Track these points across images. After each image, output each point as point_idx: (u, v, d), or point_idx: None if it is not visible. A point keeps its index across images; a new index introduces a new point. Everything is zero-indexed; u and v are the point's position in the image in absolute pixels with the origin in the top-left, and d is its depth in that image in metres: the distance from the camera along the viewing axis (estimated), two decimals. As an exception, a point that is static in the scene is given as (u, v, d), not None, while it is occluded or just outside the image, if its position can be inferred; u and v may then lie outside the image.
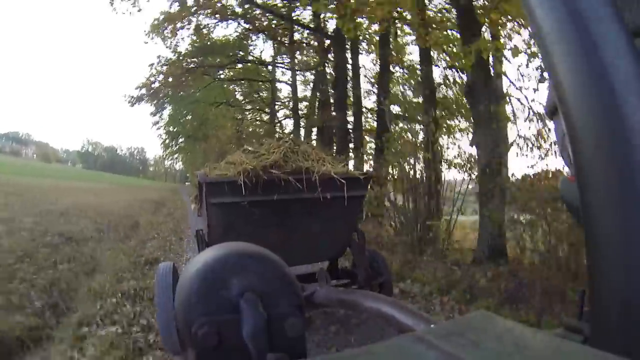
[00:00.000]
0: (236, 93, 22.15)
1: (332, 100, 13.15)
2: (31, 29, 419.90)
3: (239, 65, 18.03)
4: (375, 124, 12.85)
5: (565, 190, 0.99)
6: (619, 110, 0.39)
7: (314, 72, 16.08)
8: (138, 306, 4.11)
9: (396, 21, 10.24)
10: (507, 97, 8.82)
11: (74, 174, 56.89)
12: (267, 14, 14.11)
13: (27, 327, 3.38)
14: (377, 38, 11.57)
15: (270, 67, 19.17)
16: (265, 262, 0.56)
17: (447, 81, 13.10)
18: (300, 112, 18.49)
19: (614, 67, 0.39)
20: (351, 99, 12.38)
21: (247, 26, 15.42)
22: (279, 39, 16.28)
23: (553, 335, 0.40)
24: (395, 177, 7.72)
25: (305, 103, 18.76)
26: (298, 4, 12.59)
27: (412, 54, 13.87)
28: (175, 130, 25.55)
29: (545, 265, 4.78)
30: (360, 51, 13.42)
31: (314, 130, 15.68)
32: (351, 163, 9.62)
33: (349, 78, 12.37)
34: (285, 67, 18.30)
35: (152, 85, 16.67)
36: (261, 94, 21.50)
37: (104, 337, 3.32)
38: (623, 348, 0.40)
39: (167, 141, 28.56)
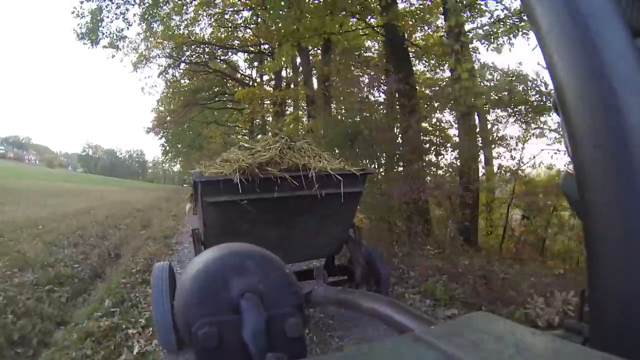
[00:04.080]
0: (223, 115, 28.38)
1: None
2: (28, 32, 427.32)
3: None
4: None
5: (566, 185, 1.00)
6: (617, 109, 0.40)
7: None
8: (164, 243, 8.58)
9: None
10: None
11: (81, 178, 61.24)
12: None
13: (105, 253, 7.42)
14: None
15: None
16: (265, 262, 0.58)
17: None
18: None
19: (612, 67, 0.41)
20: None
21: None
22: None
23: (553, 336, 0.39)
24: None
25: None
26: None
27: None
28: (175, 139, 31.82)
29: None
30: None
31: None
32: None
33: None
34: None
35: (165, 117, 23.70)
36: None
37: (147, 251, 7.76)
38: (622, 349, 0.40)
39: (167, 148, 35.07)
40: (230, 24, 18.08)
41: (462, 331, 0.38)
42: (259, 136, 12.96)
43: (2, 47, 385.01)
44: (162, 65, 20.07)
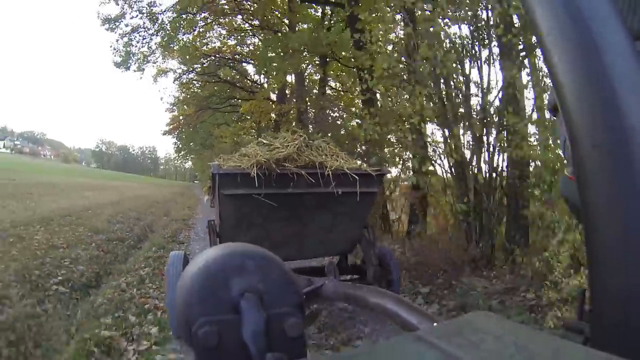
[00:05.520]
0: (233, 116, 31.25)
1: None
2: (43, 29, 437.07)
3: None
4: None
5: (566, 189, 1.02)
6: (616, 109, 0.41)
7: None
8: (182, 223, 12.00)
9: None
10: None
11: (97, 174, 63.77)
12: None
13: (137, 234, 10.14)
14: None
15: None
16: (265, 262, 0.58)
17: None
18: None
19: (612, 67, 0.42)
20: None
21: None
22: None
23: (553, 335, 0.40)
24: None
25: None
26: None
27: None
28: (188, 138, 34.83)
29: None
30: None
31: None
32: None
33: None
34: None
35: (180, 121, 26.75)
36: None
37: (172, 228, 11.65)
38: (623, 348, 0.42)
39: (180, 146, 38.28)
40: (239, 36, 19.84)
41: (462, 331, 0.38)
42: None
43: (18, 44, 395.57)
44: (177, 72, 22.03)
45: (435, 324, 0.68)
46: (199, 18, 15.45)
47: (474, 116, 4.76)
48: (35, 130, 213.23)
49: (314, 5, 14.24)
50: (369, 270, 3.59)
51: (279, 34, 14.26)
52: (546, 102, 3.97)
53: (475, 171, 4.92)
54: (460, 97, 4.92)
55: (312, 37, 12.07)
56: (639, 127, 0.40)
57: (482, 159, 4.85)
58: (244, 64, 22.17)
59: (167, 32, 14.48)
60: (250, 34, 18.80)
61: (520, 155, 4.55)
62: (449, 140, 5.00)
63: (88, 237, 7.23)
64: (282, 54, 11.80)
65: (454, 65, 4.80)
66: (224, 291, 0.53)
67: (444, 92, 4.96)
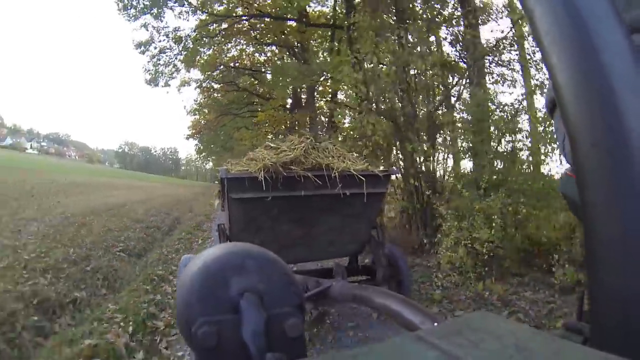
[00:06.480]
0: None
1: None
2: (67, 36, 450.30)
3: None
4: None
5: (565, 187, 1.01)
6: (615, 108, 0.41)
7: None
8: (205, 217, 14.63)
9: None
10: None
11: (121, 174, 66.25)
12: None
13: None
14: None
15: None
16: (265, 262, 0.58)
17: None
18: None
19: (611, 66, 0.42)
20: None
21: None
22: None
23: (553, 335, 0.40)
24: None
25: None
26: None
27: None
28: (209, 141, 36.93)
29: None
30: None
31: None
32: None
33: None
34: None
35: (201, 125, 29.17)
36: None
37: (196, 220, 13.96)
38: (622, 348, 0.41)
39: (201, 147, 40.37)
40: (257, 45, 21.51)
41: (462, 331, 0.38)
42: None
43: (43, 50, 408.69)
44: (198, 80, 23.75)
45: (436, 324, 0.65)
46: (217, 31, 17.68)
47: (410, 135, 6.62)
48: (60, 131, 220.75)
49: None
50: (378, 271, 3.64)
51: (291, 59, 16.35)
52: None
53: (411, 179, 6.54)
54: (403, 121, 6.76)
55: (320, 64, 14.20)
56: (639, 125, 0.40)
57: (414, 168, 6.60)
58: (261, 73, 23.70)
59: (189, 49, 16.72)
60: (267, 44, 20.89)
61: (434, 169, 6.36)
62: (394, 152, 6.91)
63: (132, 225, 9.39)
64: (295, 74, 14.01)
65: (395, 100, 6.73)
66: (223, 291, 0.53)
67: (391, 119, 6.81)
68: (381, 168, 3.52)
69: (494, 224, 4.76)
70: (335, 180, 3.13)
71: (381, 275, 3.57)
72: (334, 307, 4.05)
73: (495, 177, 5.58)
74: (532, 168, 6.01)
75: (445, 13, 8.22)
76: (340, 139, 8.01)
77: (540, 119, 5.92)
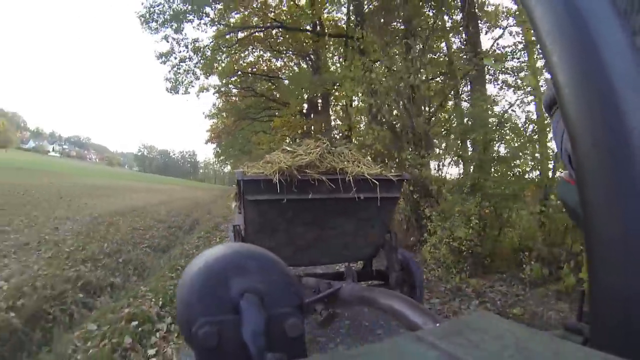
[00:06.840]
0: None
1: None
2: (93, 39, 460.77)
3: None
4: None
5: (563, 192, 0.99)
6: (616, 107, 0.41)
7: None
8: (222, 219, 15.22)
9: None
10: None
11: (141, 177, 68.15)
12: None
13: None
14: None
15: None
16: (265, 262, 0.58)
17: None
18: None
19: (612, 65, 0.41)
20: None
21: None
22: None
23: (553, 336, 0.39)
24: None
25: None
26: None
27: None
28: (228, 145, 37.69)
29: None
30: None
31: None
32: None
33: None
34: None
35: (220, 129, 30.26)
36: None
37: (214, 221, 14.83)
38: (622, 349, 0.41)
39: (219, 151, 41.27)
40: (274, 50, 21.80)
41: (462, 331, 0.38)
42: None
43: (62, 56, 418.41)
44: (217, 86, 24.35)
45: (437, 324, 0.64)
46: (234, 40, 18.55)
47: (404, 144, 7.35)
48: (81, 134, 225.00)
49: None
50: (391, 276, 3.62)
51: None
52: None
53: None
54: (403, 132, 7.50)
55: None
56: (639, 125, 0.40)
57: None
58: (278, 78, 24.18)
59: (208, 58, 17.68)
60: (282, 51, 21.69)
61: (425, 175, 6.97)
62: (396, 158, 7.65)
63: (155, 225, 10.29)
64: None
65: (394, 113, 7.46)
66: (224, 291, 0.53)
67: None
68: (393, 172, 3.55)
69: (471, 224, 5.43)
70: (350, 184, 3.15)
71: (394, 280, 3.58)
72: (344, 308, 4.02)
73: (474, 182, 6.03)
74: (519, 173, 6.34)
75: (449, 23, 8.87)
76: (355, 142, 8.63)
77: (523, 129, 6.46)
